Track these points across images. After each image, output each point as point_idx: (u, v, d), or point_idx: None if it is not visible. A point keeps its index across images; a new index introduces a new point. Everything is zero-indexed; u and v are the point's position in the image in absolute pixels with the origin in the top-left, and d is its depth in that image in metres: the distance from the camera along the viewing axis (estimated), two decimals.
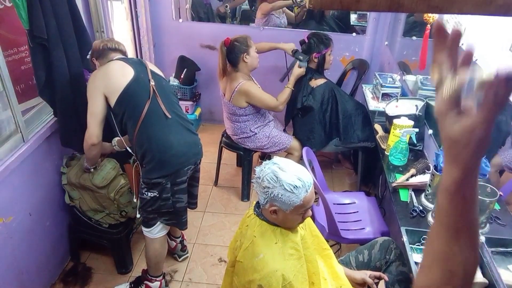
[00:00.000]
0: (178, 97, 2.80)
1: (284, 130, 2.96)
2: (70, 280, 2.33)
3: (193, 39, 3.60)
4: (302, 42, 2.81)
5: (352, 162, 3.37)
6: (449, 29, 0.50)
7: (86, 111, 1.92)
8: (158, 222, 2.06)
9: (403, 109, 2.40)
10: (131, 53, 3.27)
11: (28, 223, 2.01)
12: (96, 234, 2.31)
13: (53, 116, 2.14)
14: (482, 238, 1.52)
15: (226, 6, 4.11)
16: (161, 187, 1.95)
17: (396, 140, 2.16)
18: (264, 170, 1.33)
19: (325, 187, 2.47)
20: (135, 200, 2.15)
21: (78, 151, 2.22)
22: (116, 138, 2.12)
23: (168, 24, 3.56)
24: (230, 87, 2.67)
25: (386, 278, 1.65)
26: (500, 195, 1.59)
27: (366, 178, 3.00)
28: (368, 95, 3.00)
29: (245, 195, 3.06)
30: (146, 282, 2.22)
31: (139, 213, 2.09)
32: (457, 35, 0.51)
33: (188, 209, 2.16)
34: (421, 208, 1.83)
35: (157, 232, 2.09)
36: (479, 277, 1.44)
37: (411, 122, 2.21)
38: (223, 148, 3.10)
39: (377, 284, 1.66)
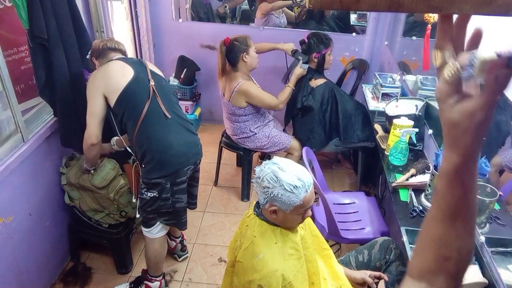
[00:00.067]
0: (178, 97, 2.80)
1: (284, 130, 2.96)
2: (70, 280, 2.33)
3: (193, 39, 3.60)
4: (302, 42, 2.81)
5: (352, 162, 3.37)
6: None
7: (86, 111, 1.92)
8: (158, 222, 2.06)
9: (403, 109, 2.40)
10: (131, 53, 3.27)
11: (28, 223, 2.01)
12: (96, 234, 2.31)
13: (53, 116, 2.14)
14: (482, 238, 1.52)
15: (226, 7, 4.12)
16: (160, 187, 1.95)
17: (396, 140, 2.16)
18: (264, 170, 1.33)
19: (325, 187, 2.47)
20: (134, 200, 2.15)
21: (78, 151, 2.22)
22: (115, 138, 2.11)
23: (168, 24, 3.56)
24: (230, 87, 2.67)
25: (386, 278, 1.65)
26: (500, 195, 1.59)
27: (366, 178, 3.00)
28: (368, 95, 3.00)
29: (245, 195, 3.06)
30: (146, 282, 2.22)
31: (138, 213, 2.09)
32: (465, 18, 0.51)
33: (188, 209, 2.16)
34: (421, 208, 1.83)
35: (156, 232, 2.09)
36: (479, 277, 1.44)
37: (411, 122, 2.21)
38: (223, 148, 3.10)
39: (377, 284, 1.65)
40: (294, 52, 2.76)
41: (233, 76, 2.67)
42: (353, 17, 4.10)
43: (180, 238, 2.47)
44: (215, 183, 3.21)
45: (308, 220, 1.52)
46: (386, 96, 2.79)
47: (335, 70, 3.41)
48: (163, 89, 2.02)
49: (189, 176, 2.07)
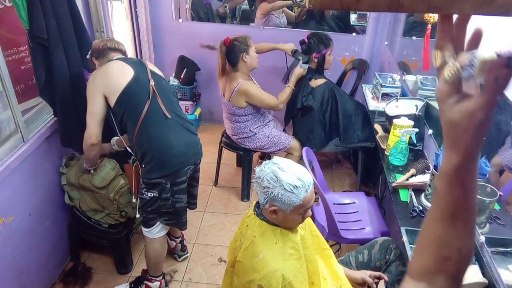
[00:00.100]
0: (178, 97, 2.80)
1: (284, 130, 2.96)
2: (70, 280, 2.33)
3: (193, 39, 3.60)
4: (302, 42, 2.81)
5: (352, 162, 3.37)
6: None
7: (86, 111, 1.92)
8: (158, 222, 2.06)
9: (403, 109, 2.40)
10: (131, 53, 3.27)
11: (28, 223, 2.01)
12: (96, 234, 2.31)
13: (53, 116, 2.14)
14: (482, 238, 1.52)
15: (225, 7, 4.12)
16: (160, 187, 1.95)
17: (396, 140, 2.16)
18: (264, 170, 1.33)
19: (325, 187, 2.47)
20: (134, 200, 2.15)
21: (78, 151, 2.22)
22: (115, 138, 2.11)
23: (168, 24, 3.56)
24: (230, 87, 2.67)
25: (386, 278, 1.65)
26: (500, 195, 1.59)
27: (366, 178, 3.00)
28: (368, 95, 3.00)
29: (245, 195, 3.06)
30: (146, 282, 2.22)
31: (138, 213, 2.09)
32: (465, 18, 0.51)
33: (188, 209, 2.16)
34: (421, 208, 1.83)
35: (156, 232, 2.09)
36: (479, 277, 1.44)
37: (411, 122, 2.21)
38: (223, 148, 3.10)
39: (377, 284, 1.65)
40: (294, 52, 2.76)
41: (233, 76, 2.67)
42: (353, 17, 4.10)
43: (180, 238, 2.47)
44: (215, 183, 3.21)
45: (308, 220, 1.52)
46: (386, 96, 2.79)
47: (335, 70, 3.41)
48: (163, 89, 2.02)
49: (189, 176, 2.07)
